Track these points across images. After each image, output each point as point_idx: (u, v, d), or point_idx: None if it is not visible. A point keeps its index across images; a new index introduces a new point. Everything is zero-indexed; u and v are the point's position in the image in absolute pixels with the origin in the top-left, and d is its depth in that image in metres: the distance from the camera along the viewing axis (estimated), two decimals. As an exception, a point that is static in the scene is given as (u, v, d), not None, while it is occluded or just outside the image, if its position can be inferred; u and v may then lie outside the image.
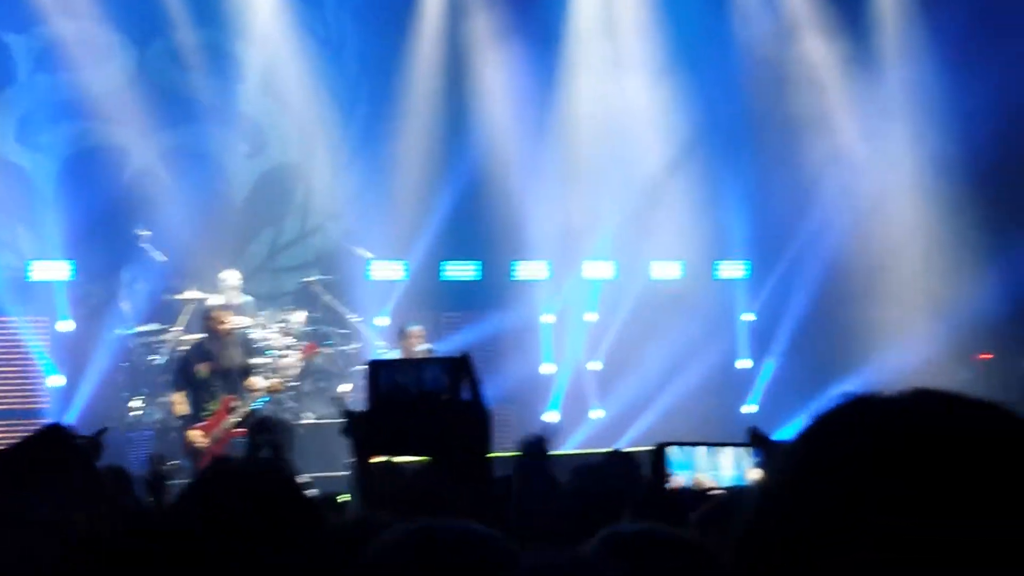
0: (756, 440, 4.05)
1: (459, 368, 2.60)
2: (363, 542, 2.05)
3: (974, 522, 1.03)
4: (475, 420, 2.63)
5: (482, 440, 2.64)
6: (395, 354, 13.78)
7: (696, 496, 4.02)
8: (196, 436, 12.33)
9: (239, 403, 12.56)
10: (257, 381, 12.85)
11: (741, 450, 4.17)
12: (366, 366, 2.71)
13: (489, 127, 16.55)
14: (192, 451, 12.25)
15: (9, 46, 15.16)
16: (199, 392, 12.57)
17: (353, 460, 5.66)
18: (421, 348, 13.76)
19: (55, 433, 3.57)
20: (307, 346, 14.29)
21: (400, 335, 14.06)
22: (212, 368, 12.60)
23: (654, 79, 16.88)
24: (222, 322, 12.82)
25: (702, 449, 4.22)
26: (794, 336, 17.01)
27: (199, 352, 12.80)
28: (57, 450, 3.49)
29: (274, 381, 13.08)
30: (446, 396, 2.59)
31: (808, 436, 1.14)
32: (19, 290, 14.65)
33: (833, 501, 1.06)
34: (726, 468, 4.14)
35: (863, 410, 1.14)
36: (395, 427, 2.62)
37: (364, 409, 2.55)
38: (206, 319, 13.04)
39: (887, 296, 16.71)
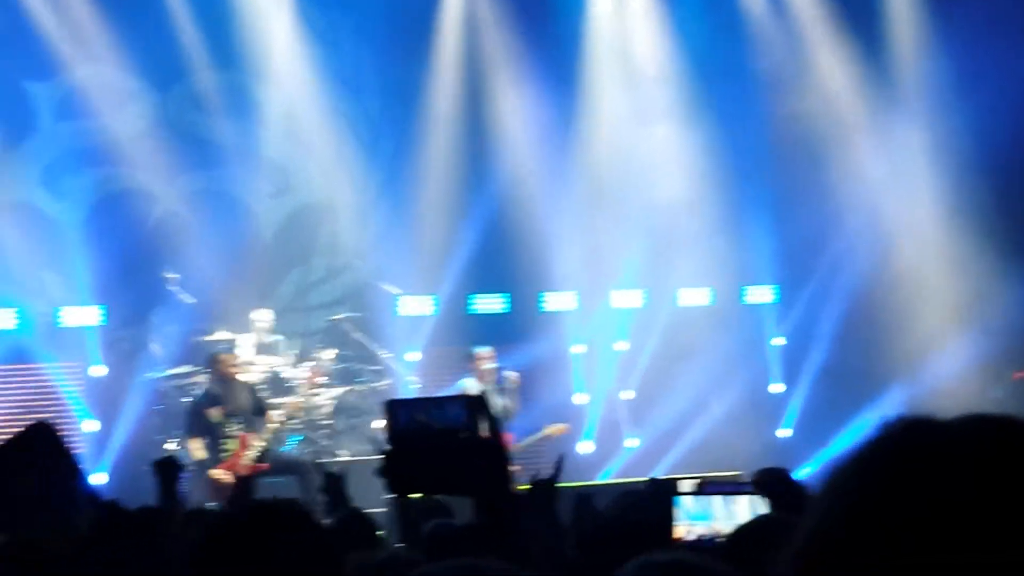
0: (764, 486, 4.06)
1: (476, 405, 2.58)
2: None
3: None
4: (494, 457, 2.60)
5: (502, 477, 2.62)
6: (468, 379, 13.61)
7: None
8: (219, 475, 12.36)
9: (257, 439, 12.57)
10: (274, 414, 12.87)
11: (756, 498, 4.16)
12: (384, 405, 2.69)
13: (511, 157, 16.52)
14: (218, 490, 12.24)
15: (31, 95, 15.26)
16: (214, 435, 12.55)
17: (390, 498, 5.67)
18: (489, 367, 13.65)
19: (43, 430, 3.70)
20: (311, 371, 14.27)
21: (469, 359, 13.83)
22: (224, 412, 12.59)
23: (674, 110, 16.84)
24: (230, 366, 12.85)
25: (718, 499, 4.23)
26: (825, 358, 16.88)
27: (208, 397, 12.79)
28: (43, 445, 3.63)
29: (289, 400, 13.07)
30: (464, 433, 2.57)
31: (865, 461, 1.09)
32: (50, 336, 14.74)
33: (900, 529, 1.02)
34: (742, 516, 4.12)
35: (923, 435, 1.09)
36: (414, 465, 2.60)
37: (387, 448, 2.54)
38: (213, 364, 13.03)
39: (916, 314, 16.53)
